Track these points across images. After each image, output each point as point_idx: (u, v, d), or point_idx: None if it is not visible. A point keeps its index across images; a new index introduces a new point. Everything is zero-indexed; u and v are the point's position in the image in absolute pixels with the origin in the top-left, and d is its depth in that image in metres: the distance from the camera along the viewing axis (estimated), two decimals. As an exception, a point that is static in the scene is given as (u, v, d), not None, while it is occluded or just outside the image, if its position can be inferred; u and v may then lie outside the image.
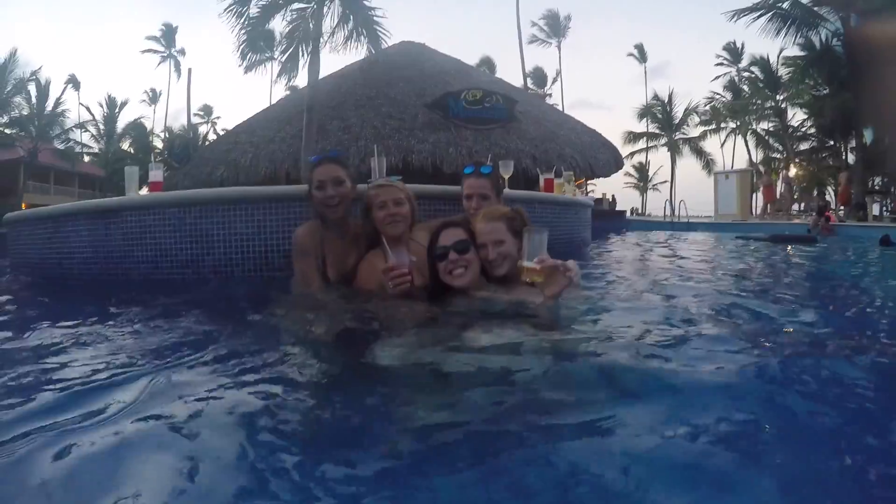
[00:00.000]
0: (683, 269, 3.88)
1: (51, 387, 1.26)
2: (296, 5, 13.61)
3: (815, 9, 16.99)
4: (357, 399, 1.15)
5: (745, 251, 5.82)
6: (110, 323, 2.01)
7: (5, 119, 25.31)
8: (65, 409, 1.11)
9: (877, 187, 24.65)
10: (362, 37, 13.59)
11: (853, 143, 20.66)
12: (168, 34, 40.13)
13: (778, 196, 17.80)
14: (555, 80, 39.06)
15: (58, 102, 27.82)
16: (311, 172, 2.20)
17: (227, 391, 1.20)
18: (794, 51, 21.32)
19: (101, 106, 34.16)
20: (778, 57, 26.66)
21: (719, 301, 2.25)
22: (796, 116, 28.92)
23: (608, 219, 13.06)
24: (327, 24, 13.23)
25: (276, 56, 16.51)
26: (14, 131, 26.46)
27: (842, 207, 18.03)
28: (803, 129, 28.82)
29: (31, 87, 27.04)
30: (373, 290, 2.03)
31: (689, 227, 13.73)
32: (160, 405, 1.10)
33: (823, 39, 18.28)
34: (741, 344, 1.48)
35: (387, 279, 1.86)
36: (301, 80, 14.86)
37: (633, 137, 35.17)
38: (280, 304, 2.16)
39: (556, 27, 37.10)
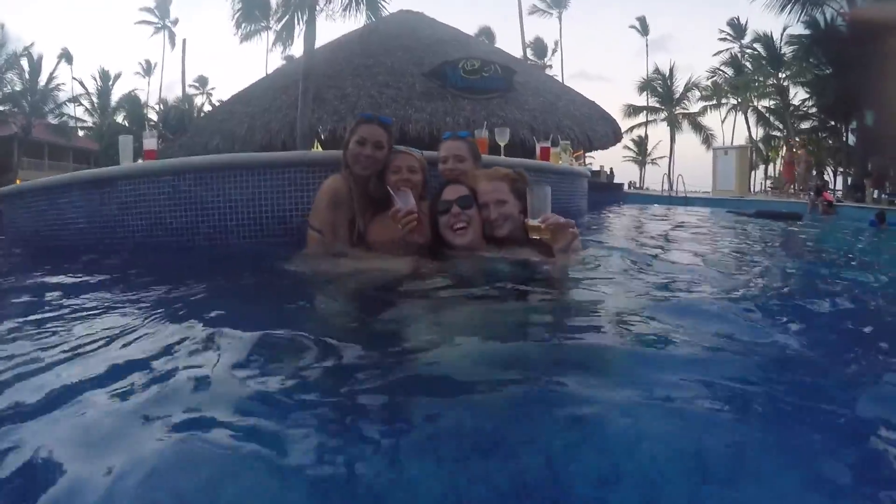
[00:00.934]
0: (672, 241, 3.91)
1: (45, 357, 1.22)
2: (292, -28, 13.42)
3: None
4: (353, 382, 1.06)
5: (732, 225, 5.86)
6: (108, 290, 1.99)
7: (-2, 95, 25.04)
8: (62, 378, 1.08)
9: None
10: (361, 4, 13.39)
11: (854, 125, 20.54)
12: (162, 4, 39.16)
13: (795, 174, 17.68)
14: (554, 52, 38.53)
15: (51, 77, 27.50)
16: (357, 126, 2.21)
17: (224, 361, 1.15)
18: (798, 29, 21.11)
19: (95, 79, 33.69)
20: (782, 34, 26.32)
21: (706, 273, 2.27)
22: (798, 95, 28.67)
23: (605, 191, 13.05)
24: (325, -10, 13.02)
25: (271, 25, 16.28)
26: (7, 107, 26.17)
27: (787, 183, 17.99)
28: (804, 109, 28.62)
29: (24, 63, 26.68)
30: (385, 244, 2.10)
31: (687, 201, 13.71)
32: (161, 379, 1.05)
33: (828, 18, 18.06)
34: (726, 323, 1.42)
35: (396, 221, 1.94)
36: (297, 49, 14.65)
37: (633, 111, 34.79)
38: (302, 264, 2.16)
39: (556, -3, 36.49)
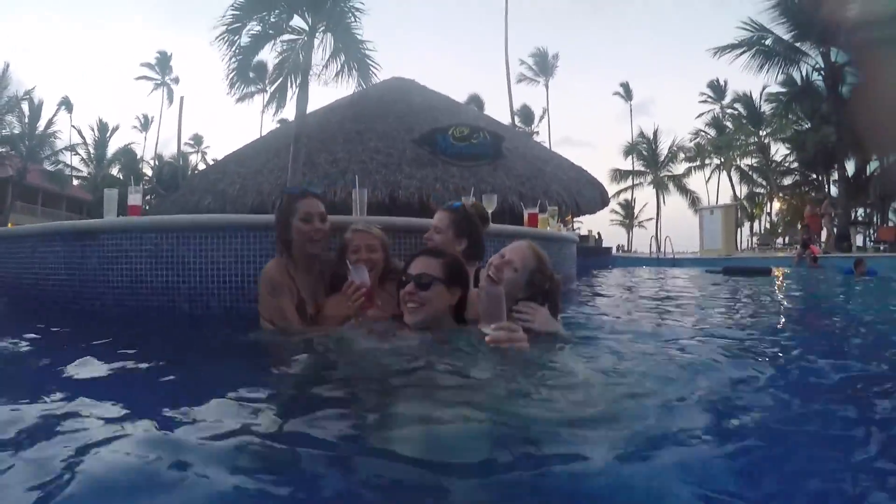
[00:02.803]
0: (648, 303, 3.99)
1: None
2: (286, 37, 13.85)
3: (797, 45, 17.54)
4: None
5: (701, 283, 5.98)
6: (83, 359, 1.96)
7: (-5, 136, 25.23)
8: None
9: (860, 219, 25.12)
10: (353, 70, 13.81)
11: (835, 176, 21.14)
12: (163, 61, 40.34)
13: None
14: (542, 118, 39.69)
15: (50, 123, 27.83)
16: (294, 204, 2.18)
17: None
18: (776, 87, 22.01)
19: (93, 130, 34.32)
20: (761, 93, 27.48)
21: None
22: (779, 151, 29.61)
23: (594, 255, 13.19)
24: (318, 56, 13.43)
25: (266, 88, 16.69)
26: (4, 149, 26.30)
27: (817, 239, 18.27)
28: (786, 164, 29.49)
29: (24, 106, 27.02)
30: (340, 319, 2.05)
31: (675, 263, 13.86)
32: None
33: (804, 75, 18.87)
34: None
35: (347, 296, 1.94)
36: (290, 112, 15.01)
37: (619, 176, 35.66)
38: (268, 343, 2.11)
39: (544, 66, 37.77)
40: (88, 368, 1.66)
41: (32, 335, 2.28)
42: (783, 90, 21.40)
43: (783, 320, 2.93)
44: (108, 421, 1.15)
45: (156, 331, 2.56)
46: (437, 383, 1.39)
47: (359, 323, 1.96)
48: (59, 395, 1.35)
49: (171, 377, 1.57)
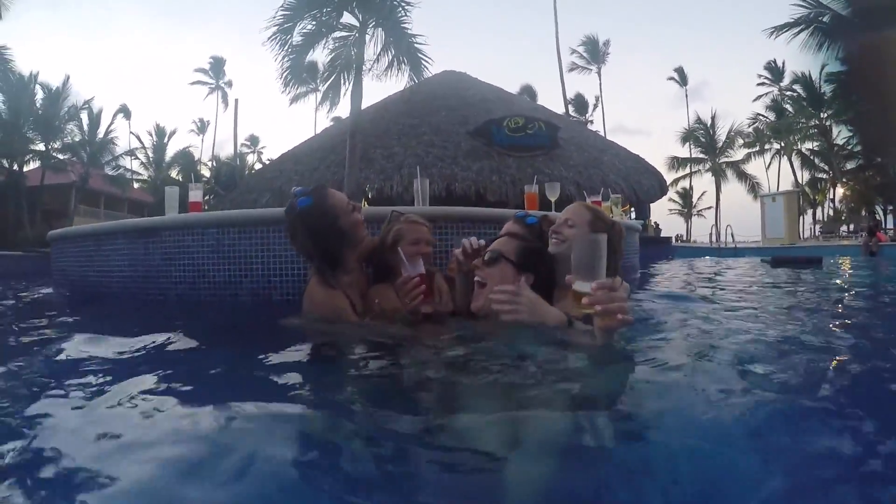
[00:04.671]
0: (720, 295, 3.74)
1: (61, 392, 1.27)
2: (338, 34, 13.98)
3: (857, 20, 16.53)
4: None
5: (753, 274, 5.69)
6: (142, 345, 1.95)
7: (58, 144, 26.55)
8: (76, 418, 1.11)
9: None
10: (404, 65, 13.84)
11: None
12: (216, 66, 41.54)
13: None
14: (595, 107, 38.72)
15: (108, 130, 29.14)
16: (325, 204, 1.91)
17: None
18: (837, 66, 20.80)
19: (151, 135, 35.64)
20: (820, 73, 26.03)
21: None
22: (841, 134, 28.04)
23: (653, 245, 12.80)
24: (370, 51, 13.51)
25: (319, 88, 16.93)
26: (67, 156, 27.69)
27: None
28: (849, 147, 27.92)
29: (84, 116, 28.39)
30: (388, 313, 1.89)
31: (737, 252, 13.30)
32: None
33: (858, 52, 17.75)
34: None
35: (401, 292, 1.74)
36: (344, 110, 15.19)
37: (677, 163, 34.51)
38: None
39: (595, 53, 36.76)
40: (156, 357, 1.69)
41: (100, 325, 2.37)
42: (843, 69, 20.19)
43: (823, 315, 2.65)
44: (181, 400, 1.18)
45: (219, 322, 2.56)
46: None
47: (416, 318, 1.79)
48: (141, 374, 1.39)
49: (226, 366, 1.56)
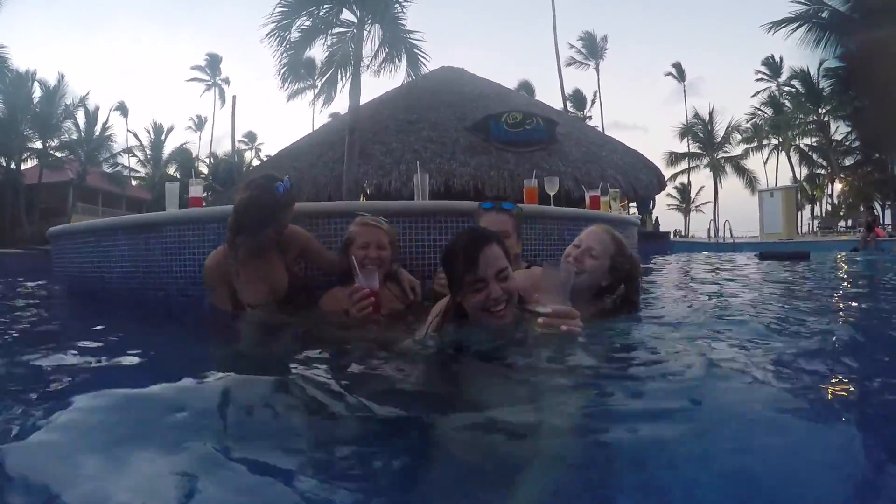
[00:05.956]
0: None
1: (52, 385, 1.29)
2: (336, 29, 13.94)
3: (855, 16, 16.51)
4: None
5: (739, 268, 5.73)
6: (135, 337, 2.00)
7: (55, 142, 26.49)
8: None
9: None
10: (399, 61, 13.81)
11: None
12: (212, 63, 41.35)
13: None
14: (594, 102, 38.67)
15: (105, 128, 29.07)
16: (278, 198, 2.03)
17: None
18: (835, 62, 20.78)
19: (148, 132, 35.66)
20: (818, 69, 26.04)
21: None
22: (839, 129, 28.07)
23: (652, 241, 12.81)
24: (368, 48, 13.48)
25: (317, 83, 16.89)
26: (64, 154, 27.61)
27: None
28: (847, 143, 27.97)
29: (80, 113, 28.31)
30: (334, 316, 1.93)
31: (735, 247, 13.32)
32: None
33: (859, 48, 17.73)
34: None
35: (351, 302, 1.71)
36: (342, 106, 15.17)
37: (674, 159, 34.50)
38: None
39: (593, 49, 36.64)
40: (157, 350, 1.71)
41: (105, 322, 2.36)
42: (842, 65, 20.16)
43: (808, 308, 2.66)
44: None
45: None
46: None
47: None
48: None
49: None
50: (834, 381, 1.32)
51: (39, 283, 4.51)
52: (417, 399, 1.20)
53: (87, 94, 28.73)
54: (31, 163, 26.30)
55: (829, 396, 1.20)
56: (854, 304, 2.96)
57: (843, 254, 9.39)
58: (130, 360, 1.59)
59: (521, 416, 1.04)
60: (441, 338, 1.59)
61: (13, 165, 24.68)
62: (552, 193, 3.82)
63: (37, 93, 24.98)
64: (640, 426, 1.02)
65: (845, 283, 4.34)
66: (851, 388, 1.26)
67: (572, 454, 0.92)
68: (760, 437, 0.95)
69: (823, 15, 17.16)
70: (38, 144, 25.87)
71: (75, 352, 1.69)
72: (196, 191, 3.33)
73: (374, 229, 2.03)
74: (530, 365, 1.33)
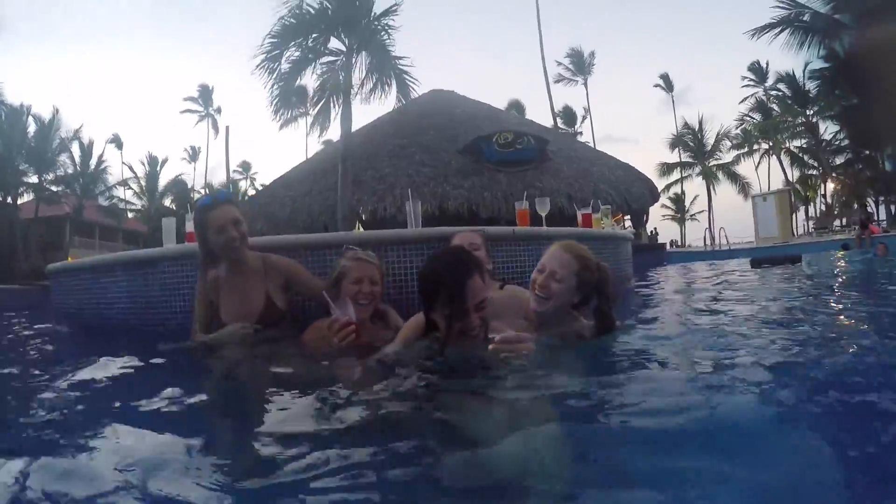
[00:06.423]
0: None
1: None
2: (325, 59, 14.10)
3: (836, 16, 16.74)
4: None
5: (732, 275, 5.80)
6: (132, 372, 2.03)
7: (51, 177, 26.55)
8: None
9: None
10: (388, 87, 13.95)
11: (889, 151, 20.01)
12: (205, 94, 41.55)
13: None
14: (584, 118, 38.77)
15: (101, 161, 29.16)
16: (205, 216, 2.14)
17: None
18: (820, 63, 21.01)
19: (143, 164, 35.69)
20: (804, 71, 26.28)
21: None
22: (828, 129, 28.30)
23: (647, 253, 12.85)
24: (356, 75, 13.62)
25: (309, 111, 17.03)
26: (60, 188, 27.67)
27: None
28: (837, 142, 28.18)
29: (75, 146, 28.40)
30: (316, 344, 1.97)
31: (731, 254, 13.36)
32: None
33: (847, 47, 17.95)
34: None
35: (332, 333, 1.74)
36: (334, 133, 15.28)
37: (666, 169, 34.62)
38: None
39: (581, 65, 36.88)
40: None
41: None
42: (826, 65, 20.37)
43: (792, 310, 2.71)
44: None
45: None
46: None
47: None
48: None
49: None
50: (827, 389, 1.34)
51: (41, 324, 4.51)
52: (402, 424, 1.22)
53: (81, 126, 28.83)
54: (27, 197, 26.36)
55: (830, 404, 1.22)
56: (847, 306, 3.00)
57: (841, 254, 9.40)
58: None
59: (507, 437, 1.06)
60: (411, 352, 1.68)
61: (9, 200, 24.72)
62: (544, 214, 3.82)
63: (31, 127, 25.15)
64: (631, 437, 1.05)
65: (837, 286, 4.37)
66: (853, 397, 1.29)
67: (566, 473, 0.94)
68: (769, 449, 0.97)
69: (805, 18, 17.42)
70: (34, 179, 25.94)
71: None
72: (192, 226, 3.37)
73: (367, 265, 2.04)
74: (504, 384, 1.38)
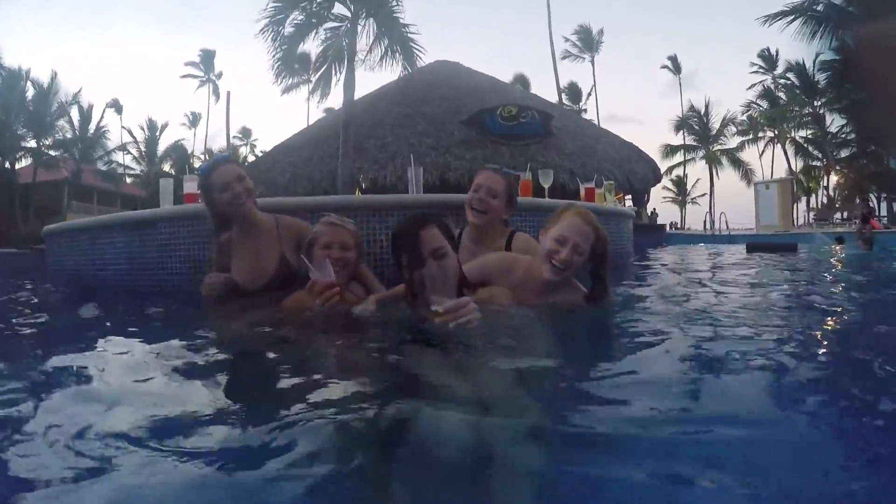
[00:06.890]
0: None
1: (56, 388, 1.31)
2: (329, 24, 13.86)
3: (850, 9, 16.50)
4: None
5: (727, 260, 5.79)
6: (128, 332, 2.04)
7: (49, 141, 26.35)
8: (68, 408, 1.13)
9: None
10: (397, 54, 13.76)
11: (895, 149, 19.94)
12: (206, 59, 40.93)
13: None
14: (589, 95, 38.09)
15: (100, 125, 28.89)
16: (209, 177, 2.13)
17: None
18: (830, 55, 20.79)
19: (143, 129, 35.24)
20: (814, 62, 26.05)
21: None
22: (835, 122, 28.11)
23: (647, 233, 12.83)
24: (362, 42, 13.41)
25: (311, 78, 16.82)
26: (58, 153, 27.47)
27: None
28: (843, 135, 28.01)
29: (74, 111, 28.11)
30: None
31: (731, 239, 13.35)
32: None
33: (858, 41, 17.73)
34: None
35: (313, 296, 1.73)
36: (337, 101, 15.11)
37: (670, 151, 34.41)
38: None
39: (588, 42, 36.29)
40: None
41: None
42: (837, 58, 20.15)
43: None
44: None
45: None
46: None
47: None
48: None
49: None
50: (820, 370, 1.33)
51: (35, 283, 4.46)
52: (385, 392, 1.17)
53: (80, 91, 28.54)
54: (25, 162, 26.17)
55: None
56: (841, 296, 2.98)
57: (838, 247, 9.39)
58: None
59: (492, 405, 1.01)
60: (381, 310, 1.74)
61: (7, 165, 24.56)
62: (547, 186, 3.81)
63: (30, 91, 24.85)
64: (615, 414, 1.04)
65: (828, 278, 4.35)
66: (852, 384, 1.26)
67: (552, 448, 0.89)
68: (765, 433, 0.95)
69: (818, 8, 17.17)
70: (33, 143, 25.74)
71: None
72: (190, 187, 3.30)
73: (339, 229, 2.00)
74: (482, 349, 1.37)
